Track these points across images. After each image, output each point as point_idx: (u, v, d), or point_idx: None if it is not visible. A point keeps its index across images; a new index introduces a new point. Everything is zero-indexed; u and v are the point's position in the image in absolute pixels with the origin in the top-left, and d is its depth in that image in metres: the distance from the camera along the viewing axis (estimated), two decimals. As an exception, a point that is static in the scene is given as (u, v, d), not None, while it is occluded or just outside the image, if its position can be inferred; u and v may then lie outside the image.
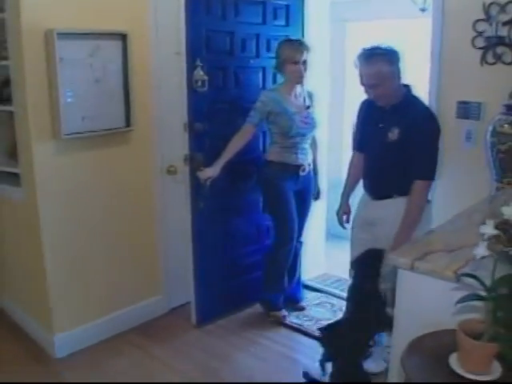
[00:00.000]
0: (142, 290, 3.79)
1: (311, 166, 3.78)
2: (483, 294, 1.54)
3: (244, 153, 3.59)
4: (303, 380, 3.16)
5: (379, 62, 2.75)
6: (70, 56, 3.09)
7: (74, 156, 3.28)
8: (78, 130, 3.20)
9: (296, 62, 3.48)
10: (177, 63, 3.43)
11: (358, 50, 2.86)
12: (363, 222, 3.14)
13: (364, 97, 3.08)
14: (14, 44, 3.06)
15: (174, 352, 3.47)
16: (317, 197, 3.98)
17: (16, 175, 3.40)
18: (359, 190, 3.34)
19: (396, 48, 2.81)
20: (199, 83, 3.41)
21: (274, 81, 3.82)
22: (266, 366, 3.35)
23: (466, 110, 3.12)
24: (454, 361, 1.57)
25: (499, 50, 2.97)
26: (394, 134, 2.83)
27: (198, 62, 3.38)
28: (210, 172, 3.44)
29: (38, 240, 3.24)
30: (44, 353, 3.41)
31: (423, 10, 4.11)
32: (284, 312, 3.87)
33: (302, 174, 3.67)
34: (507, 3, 2.90)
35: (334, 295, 4.19)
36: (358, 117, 3.22)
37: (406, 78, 2.99)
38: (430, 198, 3.01)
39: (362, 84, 2.85)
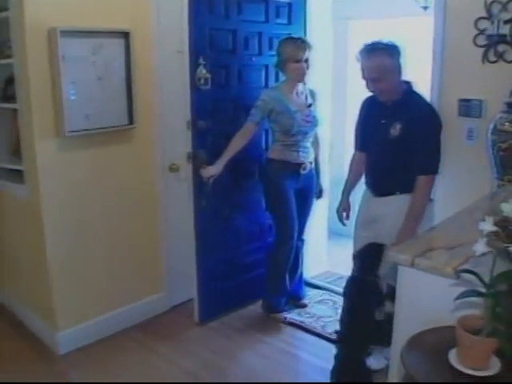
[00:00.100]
0: (144, 288, 3.81)
1: (313, 165, 3.78)
2: (482, 290, 1.55)
3: (247, 151, 3.60)
4: (305, 378, 3.17)
5: (380, 55, 2.82)
6: (73, 54, 3.11)
7: (77, 153, 3.29)
8: (81, 127, 3.22)
9: (298, 61, 3.47)
10: (179, 61, 3.44)
11: (360, 46, 2.91)
12: (365, 219, 3.16)
13: (366, 94, 3.10)
14: (18, 42, 3.08)
15: (177, 349, 3.48)
16: (319, 195, 3.97)
17: (20, 172, 3.42)
18: (360, 188, 3.36)
19: (397, 43, 2.86)
20: (202, 81, 3.42)
21: (277, 79, 3.83)
22: (269, 362, 3.36)
23: (468, 108, 3.12)
24: (453, 356, 1.58)
25: (501, 48, 2.97)
26: (395, 130, 2.86)
27: (201, 61, 3.39)
28: (213, 170, 3.44)
29: (41, 237, 3.26)
30: (47, 350, 3.43)
31: (425, 8, 4.12)
32: (285, 314, 3.84)
33: (303, 172, 3.66)
34: (509, 1, 2.89)
35: (336, 293, 4.18)
36: (360, 116, 3.24)
37: (409, 75, 3.03)
38: (431, 196, 3.03)
39: (364, 78, 2.90)
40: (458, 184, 3.18)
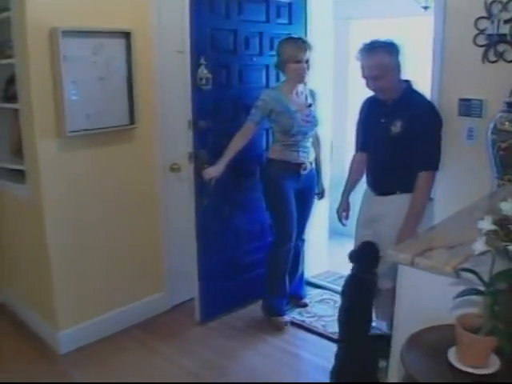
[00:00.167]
0: (145, 287, 3.82)
1: (313, 165, 3.77)
2: (482, 288, 1.55)
3: (248, 150, 3.61)
4: (306, 378, 3.17)
5: (380, 53, 2.86)
6: (74, 54, 3.12)
7: (78, 153, 3.30)
8: (82, 127, 3.23)
9: (299, 61, 3.46)
10: (180, 61, 3.45)
11: (360, 45, 2.95)
12: (366, 218, 3.18)
13: (366, 94, 3.12)
14: (19, 42, 3.09)
15: (178, 348, 3.49)
16: (321, 196, 3.97)
17: (21, 172, 3.43)
18: (360, 188, 3.37)
19: (395, 41, 2.90)
20: (203, 81, 3.43)
21: (277, 79, 3.83)
22: (270, 362, 3.37)
23: (468, 108, 3.13)
24: (452, 355, 1.59)
25: (501, 47, 2.97)
26: (396, 127, 2.89)
27: (202, 61, 3.41)
28: (214, 172, 3.44)
29: (42, 237, 3.27)
30: (48, 349, 3.44)
31: (426, 8, 4.13)
32: (286, 318, 3.81)
33: (303, 172, 3.65)
34: (509, 1, 2.90)
35: (337, 292, 4.14)
36: (360, 116, 3.26)
37: (409, 74, 3.04)
38: (432, 195, 3.04)
39: (364, 77, 2.94)
40: (458, 183, 3.19)
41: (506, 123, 2.71)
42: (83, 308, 3.48)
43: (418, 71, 3.47)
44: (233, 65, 3.67)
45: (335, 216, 3.51)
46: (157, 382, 3.13)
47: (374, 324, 3.37)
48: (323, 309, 3.99)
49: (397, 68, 2.91)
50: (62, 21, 3.04)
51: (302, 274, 4.15)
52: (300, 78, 3.55)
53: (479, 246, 1.55)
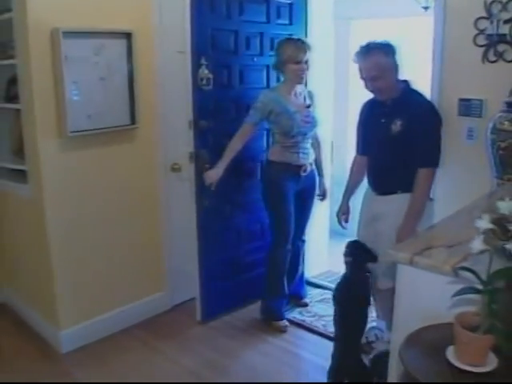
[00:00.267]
0: (146, 286, 3.83)
1: (313, 166, 3.76)
2: (480, 287, 1.56)
3: (249, 151, 3.64)
4: (306, 377, 3.18)
5: (376, 54, 2.90)
6: (76, 54, 3.13)
7: (80, 153, 3.31)
8: (83, 127, 3.24)
9: (299, 62, 3.45)
10: (181, 62, 3.46)
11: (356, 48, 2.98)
12: (367, 217, 3.19)
13: (367, 94, 3.12)
14: (21, 43, 3.11)
15: (179, 348, 3.50)
16: (323, 197, 3.97)
17: (23, 172, 3.44)
18: (360, 192, 3.37)
19: (391, 42, 2.94)
20: (204, 81, 3.44)
21: (278, 79, 3.83)
22: (270, 361, 3.38)
23: (468, 108, 3.13)
24: (451, 353, 1.59)
25: (500, 47, 2.98)
26: (396, 126, 2.91)
27: (203, 61, 3.42)
28: (214, 176, 3.45)
29: (44, 236, 3.28)
30: (50, 348, 3.46)
31: (426, 8, 4.13)
32: (285, 322, 3.79)
33: (303, 174, 3.65)
34: (508, 1, 2.90)
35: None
36: (360, 119, 3.28)
37: (409, 74, 3.06)
38: (431, 196, 3.06)
39: (362, 78, 2.97)
40: (458, 183, 3.20)
41: (506, 123, 2.72)
42: (85, 307, 3.49)
43: (418, 71, 3.48)
44: (233, 65, 3.68)
45: (335, 215, 3.52)
46: (158, 381, 3.14)
47: (374, 324, 3.39)
48: (323, 308, 3.99)
49: (394, 68, 2.94)
50: (64, 21, 3.05)
51: (303, 274, 4.16)
52: (299, 78, 3.55)
53: (477, 244, 1.56)
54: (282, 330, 3.73)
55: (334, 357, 3.02)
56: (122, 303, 3.69)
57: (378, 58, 2.88)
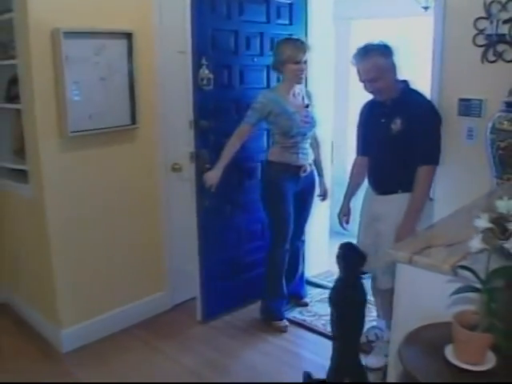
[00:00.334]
0: (147, 286, 3.84)
1: (312, 166, 3.76)
2: (479, 286, 1.57)
3: (249, 151, 3.64)
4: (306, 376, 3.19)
5: (374, 55, 2.90)
6: (76, 54, 3.14)
7: (80, 153, 3.32)
8: (84, 127, 3.25)
9: (298, 62, 3.45)
10: (181, 62, 3.46)
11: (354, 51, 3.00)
12: (368, 217, 3.20)
13: (367, 94, 3.13)
14: (22, 43, 3.11)
15: (180, 347, 3.51)
16: (324, 198, 3.97)
17: (24, 172, 3.45)
18: (361, 193, 3.38)
19: (388, 43, 2.96)
20: (205, 81, 3.45)
21: (278, 79, 3.83)
22: (271, 361, 3.38)
23: (468, 108, 3.14)
24: (450, 352, 1.60)
25: (500, 47, 2.99)
26: (396, 125, 2.92)
27: (204, 61, 3.42)
28: (214, 177, 3.45)
29: (45, 236, 3.29)
30: (51, 348, 3.46)
31: (426, 8, 4.14)
32: (285, 322, 3.79)
33: (303, 174, 3.65)
34: (508, 1, 2.91)
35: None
36: (360, 120, 3.29)
37: (409, 74, 3.06)
38: (431, 196, 3.06)
39: (361, 81, 2.98)
40: (457, 183, 3.20)
41: (505, 123, 2.72)
42: (85, 307, 3.50)
43: (418, 71, 3.49)
44: (234, 65, 3.69)
45: (336, 216, 3.52)
46: (158, 381, 3.14)
47: (374, 323, 3.39)
48: (323, 308, 3.97)
49: (392, 68, 2.95)
50: (64, 22, 3.06)
51: (303, 274, 4.16)
52: (298, 78, 3.55)
53: (476, 243, 1.57)
54: (282, 330, 3.73)
55: (332, 357, 3.02)
56: (123, 303, 3.69)
57: (375, 60, 2.89)
